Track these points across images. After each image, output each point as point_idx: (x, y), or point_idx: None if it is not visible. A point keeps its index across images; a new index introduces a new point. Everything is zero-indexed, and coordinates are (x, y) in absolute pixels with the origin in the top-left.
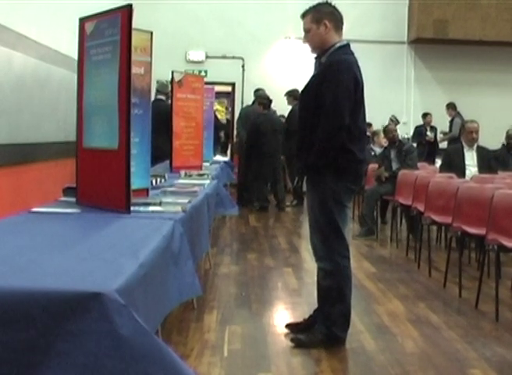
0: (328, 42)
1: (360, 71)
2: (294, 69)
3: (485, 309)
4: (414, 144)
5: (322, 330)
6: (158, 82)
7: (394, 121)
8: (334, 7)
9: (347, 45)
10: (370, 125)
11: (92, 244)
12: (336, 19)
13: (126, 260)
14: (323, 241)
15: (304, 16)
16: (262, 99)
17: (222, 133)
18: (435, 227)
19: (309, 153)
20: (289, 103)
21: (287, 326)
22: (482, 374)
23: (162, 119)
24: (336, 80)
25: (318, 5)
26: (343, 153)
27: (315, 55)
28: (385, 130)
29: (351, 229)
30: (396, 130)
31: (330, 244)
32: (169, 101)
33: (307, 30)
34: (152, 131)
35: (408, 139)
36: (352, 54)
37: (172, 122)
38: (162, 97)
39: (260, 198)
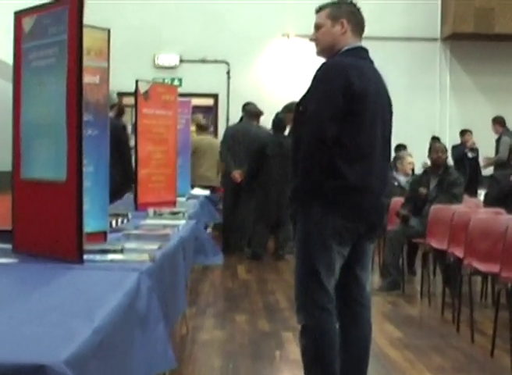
0: (339, 45)
1: (366, 77)
2: (294, 76)
3: None
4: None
5: None
6: None
7: (434, 144)
8: (358, 9)
9: (358, 49)
10: (404, 147)
11: (34, 303)
12: (356, 22)
13: (78, 323)
14: (301, 289)
15: (319, 9)
16: (256, 114)
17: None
18: (478, 278)
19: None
20: (288, 121)
21: None
22: None
23: (113, 142)
24: (319, 86)
25: (340, 1)
26: (331, 177)
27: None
28: (431, 148)
29: (368, 278)
30: (445, 151)
31: (307, 293)
32: (121, 119)
33: (318, 26)
34: None
35: (427, 169)
36: (361, 58)
37: (137, 146)
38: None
39: (257, 242)
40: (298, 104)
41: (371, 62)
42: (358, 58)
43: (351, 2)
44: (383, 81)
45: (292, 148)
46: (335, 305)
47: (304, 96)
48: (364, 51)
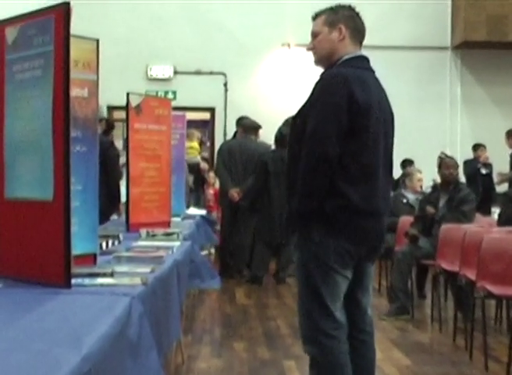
0: (337, 53)
1: (369, 90)
2: (295, 88)
3: None
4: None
5: None
6: None
7: (444, 159)
8: (357, 13)
9: (359, 57)
10: (411, 162)
11: (18, 330)
12: (355, 28)
13: (65, 351)
14: (305, 316)
15: (316, 16)
16: (254, 128)
17: (190, 178)
18: (492, 302)
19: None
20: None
21: None
22: None
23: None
24: (321, 99)
25: (337, 6)
26: (332, 198)
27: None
28: (441, 163)
29: (369, 302)
30: (456, 167)
31: (314, 321)
32: (110, 134)
33: (315, 34)
34: None
35: (435, 186)
36: (363, 68)
37: (128, 163)
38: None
39: (257, 264)
40: (295, 117)
41: (373, 71)
42: (360, 68)
43: (349, 7)
44: (385, 92)
45: (288, 164)
46: (344, 331)
47: (302, 108)
48: (366, 60)
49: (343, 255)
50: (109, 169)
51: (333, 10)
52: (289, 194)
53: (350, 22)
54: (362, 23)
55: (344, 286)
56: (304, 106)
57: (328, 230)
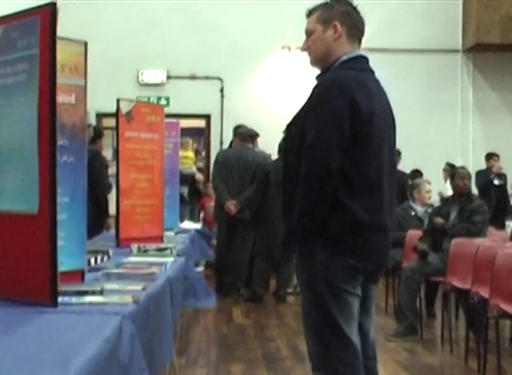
0: (334, 53)
1: (370, 94)
2: (296, 94)
3: None
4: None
5: None
6: None
7: (448, 171)
8: (354, 7)
9: (358, 58)
10: (421, 174)
11: (2, 351)
12: (352, 24)
13: (51, 374)
14: (317, 342)
15: (310, 13)
16: (250, 136)
17: (185, 190)
18: (506, 322)
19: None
20: None
21: None
22: None
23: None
24: (320, 106)
25: (332, 1)
26: (335, 212)
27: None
28: (454, 174)
29: (372, 324)
30: (470, 178)
31: (327, 347)
32: (99, 143)
33: (309, 32)
34: None
35: (444, 199)
36: (363, 69)
37: (119, 173)
38: None
39: (258, 280)
40: (289, 125)
41: (373, 72)
42: (360, 70)
43: (346, 1)
44: (385, 94)
45: (283, 177)
46: (360, 359)
47: (297, 116)
48: (365, 60)
49: (351, 274)
50: (94, 181)
51: (328, 6)
52: (287, 209)
53: (346, 18)
54: (360, 19)
55: (357, 304)
56: (299, 113)
57: (333, 248)
